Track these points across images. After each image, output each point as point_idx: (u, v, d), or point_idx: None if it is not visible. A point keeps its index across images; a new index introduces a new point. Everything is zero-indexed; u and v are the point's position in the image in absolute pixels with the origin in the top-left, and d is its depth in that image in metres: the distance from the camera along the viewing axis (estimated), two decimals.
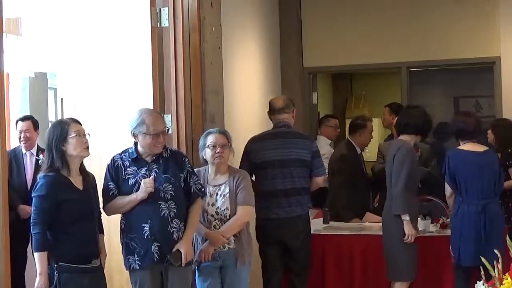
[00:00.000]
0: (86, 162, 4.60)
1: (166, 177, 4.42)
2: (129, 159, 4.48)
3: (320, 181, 5.59)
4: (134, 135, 4.45)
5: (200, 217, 4.75)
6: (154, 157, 4.47)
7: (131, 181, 4.44)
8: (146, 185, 4.36)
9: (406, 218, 5.36)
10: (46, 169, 4.04)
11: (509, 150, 6.57)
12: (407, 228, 5.35)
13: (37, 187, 3.97)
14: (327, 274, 5.91)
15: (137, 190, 4.39)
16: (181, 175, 4.48)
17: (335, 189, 6.57)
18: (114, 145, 5.03)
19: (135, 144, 4.50)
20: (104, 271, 4.39)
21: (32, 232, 3.92)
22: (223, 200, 4.86)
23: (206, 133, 4.99)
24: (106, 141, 5.19)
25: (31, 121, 6.50)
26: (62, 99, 6.44)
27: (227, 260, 4.84)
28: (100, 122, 5.27)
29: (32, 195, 3.98)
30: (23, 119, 6.55)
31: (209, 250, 4.77)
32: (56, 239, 3.96)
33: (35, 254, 3.92)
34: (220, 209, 4.85)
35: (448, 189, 5.48)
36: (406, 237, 5.35)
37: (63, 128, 4.07)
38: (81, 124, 4.18)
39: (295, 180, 5.42)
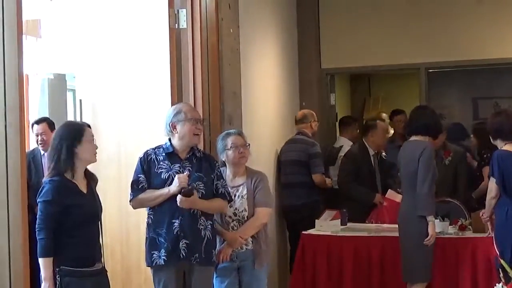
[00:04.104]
0: (104, 164, 4.62)
1: (199, 175, 4.46)
2: (163, 154, 4.50)
3: (315, 178, 6.88)
4: (173, 126, 4.48)
5: (218, 217, 4.77)
6: (188, 155, 4.51)
7: (164, 175, 4.45)
8: (180, 180, 4.35)
9: (431, 219, 5.36)
10: (50, 173, 3.92)
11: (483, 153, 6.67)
12: (431, 229, 5.35)
13: (42, 192, 3.87)
14: (345, 276, 5.90)
15: (169, 185, 4.39)
16: (212, 176, 4.52)
17: (342, 185, 6.89)
18: (132, 147, 5.07)
19: (169, 140, 4.53)
20: (121, 270, 4.40)
21: (37, 237, 3.83)
22: (241, 201, 4.86)
23: (224, 135, 4.99)
24: (124, 143, 5.21)
25: (47, 123, 6.47)
26: (80, 100, 6.44)
27: (245, 261, 4.85)
28: (118, 124, 5.28)
29: (38, 200, 3.87)
30: (39, 121, 6.51)
31: (227, 251, 4.78)
32: (60, 243, 3.86)
33: (40, 260, 3.83)
34: (238, 210, 4.85)
35: (493, 191, 5.26)
36: (428, 237, 5.34)
37: (80, 130, 3.96)
38: None
39: (293, 176, 6.89)
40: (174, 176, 4.41)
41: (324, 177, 6.94)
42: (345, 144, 7.72)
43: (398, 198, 6.38)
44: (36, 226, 3.84)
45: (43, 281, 3.83)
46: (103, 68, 5.38)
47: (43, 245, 3.82)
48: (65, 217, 3.87)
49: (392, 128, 8.45)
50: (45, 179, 3.94)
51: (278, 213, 7.02)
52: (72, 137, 3.93)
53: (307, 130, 7.07)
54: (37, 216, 3.86)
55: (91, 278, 3.94)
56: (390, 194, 6.68)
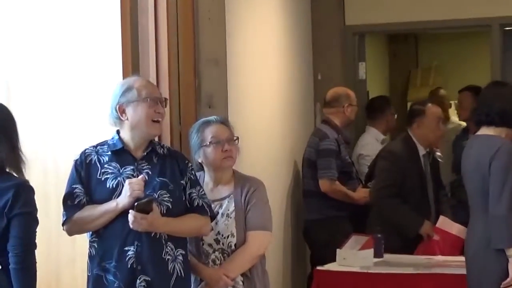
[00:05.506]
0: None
1: (163, 181, 4.46)
2: (109, 153, 4.50)
3: (321, 184, 7.16)
4: (121, 110, 4.47)
5: (192, 246, 4.77)
6: (145, 152, 4.51)
7: (110, 183, 4.43)
8: (132, 187, 4.32)
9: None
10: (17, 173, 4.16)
11: None
12: None
13: (23, 201, 4.07)
14: None
15: (118, 196, 4.38)
16: (182, 182, 4.53)
17: (376, 202, 6.90)
18: (64, 145, 5.14)
19: (118, 132, 4.53)
20: None
21: (26, 263, 4.02)
22: (226, 221, 4.88)
23: (200, 124, 4.98)
24: (52, 139, 5.27)
25: None
26: None
27: None
28: (44, 112, 5.31)
29: (19, 211, 4.03)
30: None
31: None
32: None
33: None
34: (222, 235, 4.86)
35: None
36: (508, 280, 5.26)
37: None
38: None
39: (305, 181, 7.40)
40: (125, 182, 4.39)
41: (336, 185, 7.11)
42: (371, 138, 7.92)
43: (454, 228, 6.54)
44: (24, 245, 4.04)
45: None
46: (19, 28, 5.38)
47: (35, 272, 4.06)
48: None
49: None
50: (15, 180, 4.12)
51: (293, 231, 7.47)
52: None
53: (335, 117, 7.37)
54: (22, 232, 4.04)
55: None
56: (443, 222, 6.68)
